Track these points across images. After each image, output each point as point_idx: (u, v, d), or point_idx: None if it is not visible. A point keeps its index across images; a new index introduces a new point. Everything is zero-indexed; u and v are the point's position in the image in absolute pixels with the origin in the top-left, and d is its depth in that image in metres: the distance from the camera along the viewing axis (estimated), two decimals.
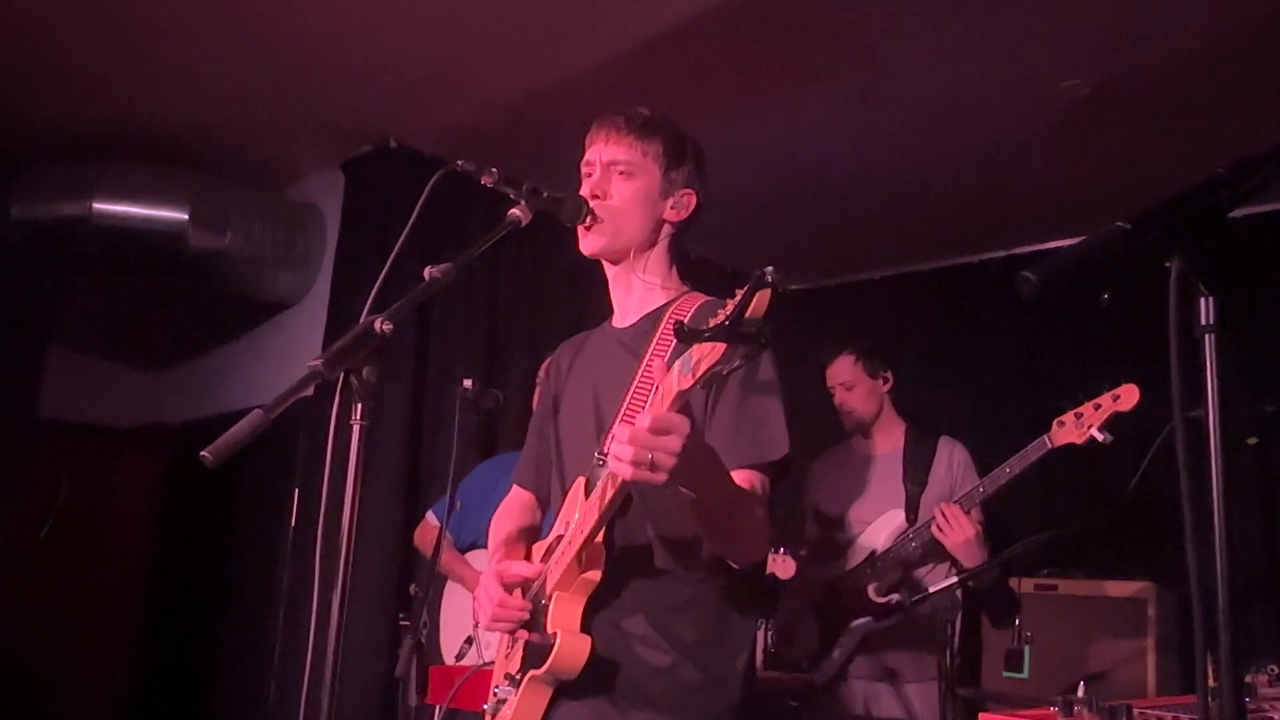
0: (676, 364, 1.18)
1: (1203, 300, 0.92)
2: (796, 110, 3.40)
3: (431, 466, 3.64)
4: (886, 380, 3.12)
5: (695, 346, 1.12)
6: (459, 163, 1.46)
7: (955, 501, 2.74)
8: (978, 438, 3.18)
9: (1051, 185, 3.82)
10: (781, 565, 2.85)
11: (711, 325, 1.07)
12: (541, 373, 2.55)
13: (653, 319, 1.63)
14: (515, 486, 1.87)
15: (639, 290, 1.65)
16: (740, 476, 1.45)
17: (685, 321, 1.13)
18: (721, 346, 1.08)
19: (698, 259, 4.45)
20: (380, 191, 3.73)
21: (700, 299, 1.62)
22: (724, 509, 1.34)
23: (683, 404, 1.21)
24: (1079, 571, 3.37)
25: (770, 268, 1.06)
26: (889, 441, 3.11)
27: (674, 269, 1.68)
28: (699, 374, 1.12)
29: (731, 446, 1.46)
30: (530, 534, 1.80)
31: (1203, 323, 0.91)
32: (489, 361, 3.85)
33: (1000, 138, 3.48)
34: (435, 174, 1.45)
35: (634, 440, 1.18)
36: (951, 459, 3.01)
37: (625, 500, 1.52)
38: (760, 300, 1.07)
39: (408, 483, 3.57)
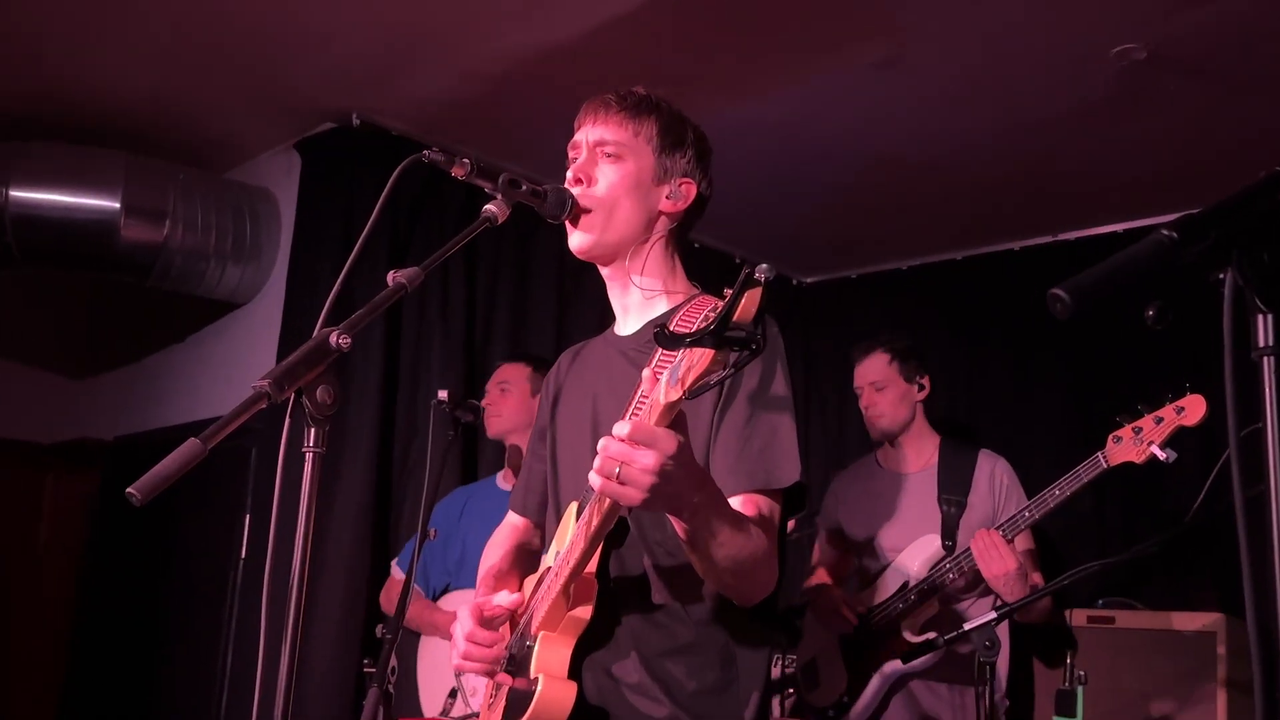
0: (664, 375, 1.19)
1: (1261, 318, 0.90)
2: (809, 84, 3.41)
3: (403, 489, 3.66)
4: (922, 387, 3.13)
5: (684, 354, 1.13)
6: (426, 153, 1.47)
7: (998, 528, 2.74)
8: (1019, 452, 3.19)
9: (1101, 163, 3.83)
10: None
11: (696, 329, 1.08)
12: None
13: (656, 326, 1.63)
14: (510, 513, 1.89)
15: (639, 293, 1.66)
16: (745, 503, 1.46)
17: (668, 326, 1.14)
18: (708, 353, 1.09)
19: (701, 248, 4.49)
20: (341, 175, 3.74)
21: (712, 302, 1.63)
22: (720, 543, 1.34)
23: (673, 419, 1.22)
24: (1139, 602, 3.38)
25: (763, 265, 1.06)
26: (921, 456, 3.12)
27: (677, 269, 1.69)
28: (687, 384, 1.13)
29: (736, 469, 1.47)
30: (525, 566, 1.81)
31: (1261, 344, 0.89)
32: (467, 370, 3.87)
33: (1043, 111, 3.49)
34: (404, 158, 1.46)
35: (606, 450, 1.20)
36: (994, 476, 3.01)
37: (620, 529, 1.53)
38: (750, 300, 1.07)
39: (375, 509, 3.58)
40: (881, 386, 3.10)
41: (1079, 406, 4.12)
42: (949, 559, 2.89)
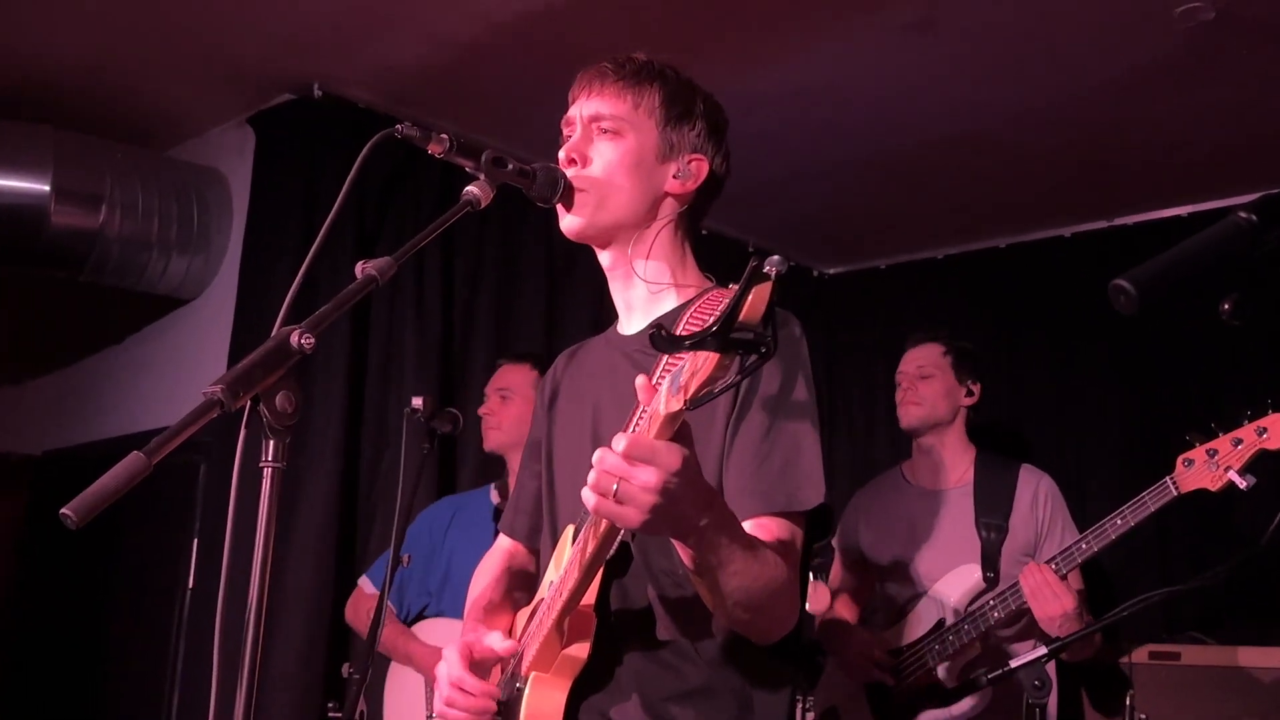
0: (665, 383, 1.19)
1: None
2: (831, 50, 3.41)
3: (372, 510, 3.66)
4: (971, 393, 3.15)
5: (687, 359, 1.13)
6: (399, 127, 1.46)
7: (1050, 562, 2.74)
8: (1068, 470, 3.20)
9: (1164, 137, 3.83)
10: (813, 595, 2.85)
11: (697, 330, 1.08)
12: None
13: (665, 324, 1.63)
14: (501, 535, 1.89)
15: (644, 286, 1.66)
16: (763, 527, 1.45)
17: (667, 327, 1.13)
18: (713, 357, 1.09)
19: (710, 235, 4.49)
20: (301, 153, 3.74)
21: (727, 297, 1.62)
22: (732, 572, 1.34)
23: (676, 432, 1.21)
24: (1206, 637, 3.37)
25: (774, 257, 1.06)
26: (956, 470, 3.12)
27: (688, 258, 1.69)
28: (690, 393, 1.12)
29: (752, 488, 1.46)
30: (518, 595, 1.81)
31: None
32: (444, 374, 3.87)
33: (1097, 79, 3.49)
34: (373, 133, 1.45)
35: (601, 464, 1.20)
36: (1037, 496, 3.01)
37: (622, 556, 1.53)
38: (759, 297, 1.07)
39: (341, 533, 3.58)
40: (928, 374, 3.13)
41: (1139, 419, 4.12)
42: (991, 594, 2.88)
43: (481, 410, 3.28)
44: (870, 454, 4.88)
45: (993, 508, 3.00)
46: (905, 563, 3.07)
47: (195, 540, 3.80)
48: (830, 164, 4.18)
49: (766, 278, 1.07)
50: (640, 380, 1.24)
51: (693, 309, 1.57)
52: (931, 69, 3.51)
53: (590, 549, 1.37)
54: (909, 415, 3.15)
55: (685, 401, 1.13)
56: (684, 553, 1.33)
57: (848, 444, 5.00)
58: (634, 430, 1.50)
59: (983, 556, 2.95)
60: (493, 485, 3.32)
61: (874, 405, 4.91)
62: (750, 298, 1.07)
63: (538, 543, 1.79)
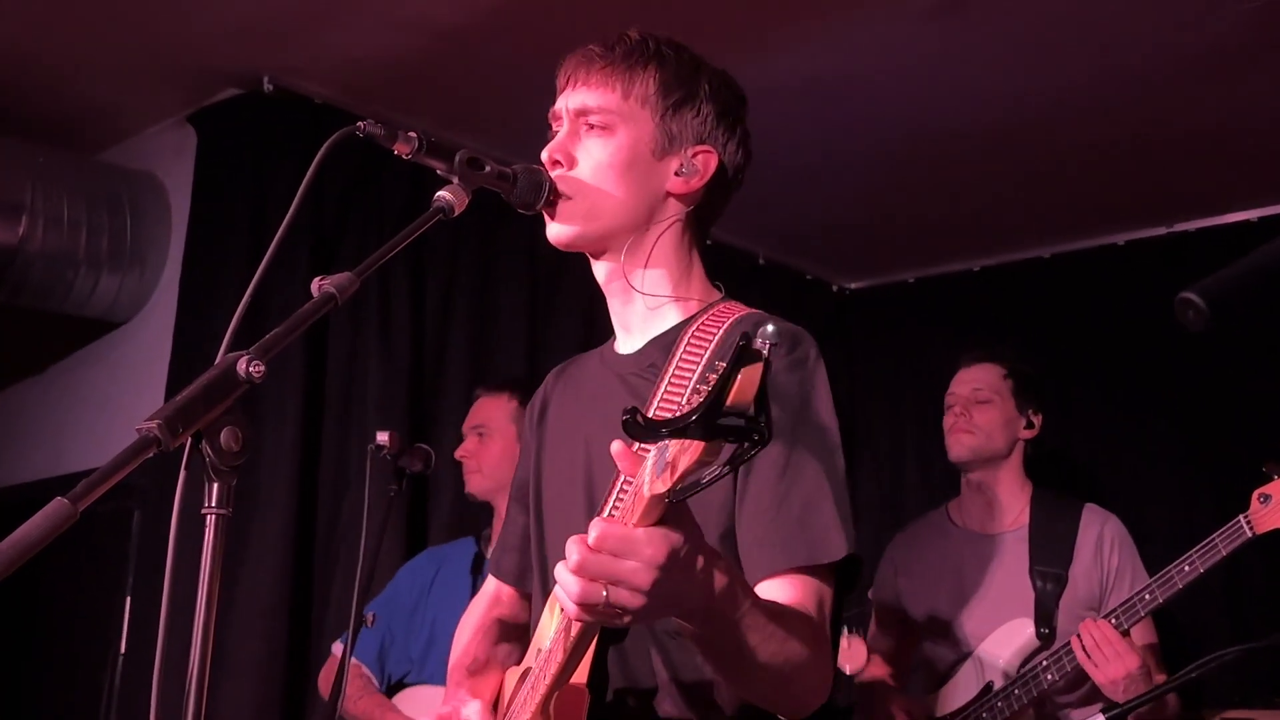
0: (651, 456, 1.16)
1: None
2: (855, 32, 3.42)
3: (331, 563, 3.64)
4: (1031, 424, 3.15)
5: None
6: (361, 124, 1.46)
7: (1109, 615, 2.73)
8: (1126, 509, 3.17)
9: (1229, 132, 3.84)
10: (848, 652, 2.84)
11: (678, 414, 1.06)
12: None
13: (663, 344, 1.62)
14: (490, 578, 1.88)
15: (643, 300, 1.65)
16: (783, 584, 1.43)
17: (639, 410, 1.09)
18: (698, 446, 1.07)
19: (715, 244, 4.45)
20: (249, 155, 3.75)
21: (737, 313, 1.61)
22: (749, 647, 1.30)
23: (663, 513, 1.17)
24: None
25: (769, 328, 1.04)
26: (1010, 512, 3.11)
27: (694, 267, 1.68)
28: (676, 478, 1.10)
29: (770, 539, 1.44)
30: (508, 649, 1.80)
31: None
32: (413, 405, 3.86)
33: (1153, 68, 3.50)
34: (331, 132, 1.45)
35: (582, 569, 1.16)
36: (1102, 541, 3.00)
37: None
38: (749, 379, 1.05)
39: (295, 589, 3.56)
40: (986, 400, 3.12)
41: (1206, 450, 4.12)
42: (1046, 654, 2.87)
43: (459, 453, 3.27)
44: (897, 492, 4.88)
45: (1051, 554, 2.98)
46: (950, 618, 3.06)
47: (128, 599, 3.77)
48: (851, 164, 4.18)
49: (758, 356, 1.05)
50: (617, 447, 1.22)
51: (697, 324, 1.56)
52: (964, 55, 3.52)
53: (575, 633, 1.35)
54: (960, 446, 3.13)
55: (673, 484, 1.11)
56: (689, 630, 1.30)
57: (872, 480, 4.99)
58: (614, 505, 1.49)
59: (1036, 609, 2.93)
60: (483, 534, 3.30)
61: (901, 436, 4.91)
62: (739, 379, 1.05)
63: (529, 585, 1.77)
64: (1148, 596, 2.71)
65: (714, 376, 1.06)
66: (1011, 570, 3.02)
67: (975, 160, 4.12)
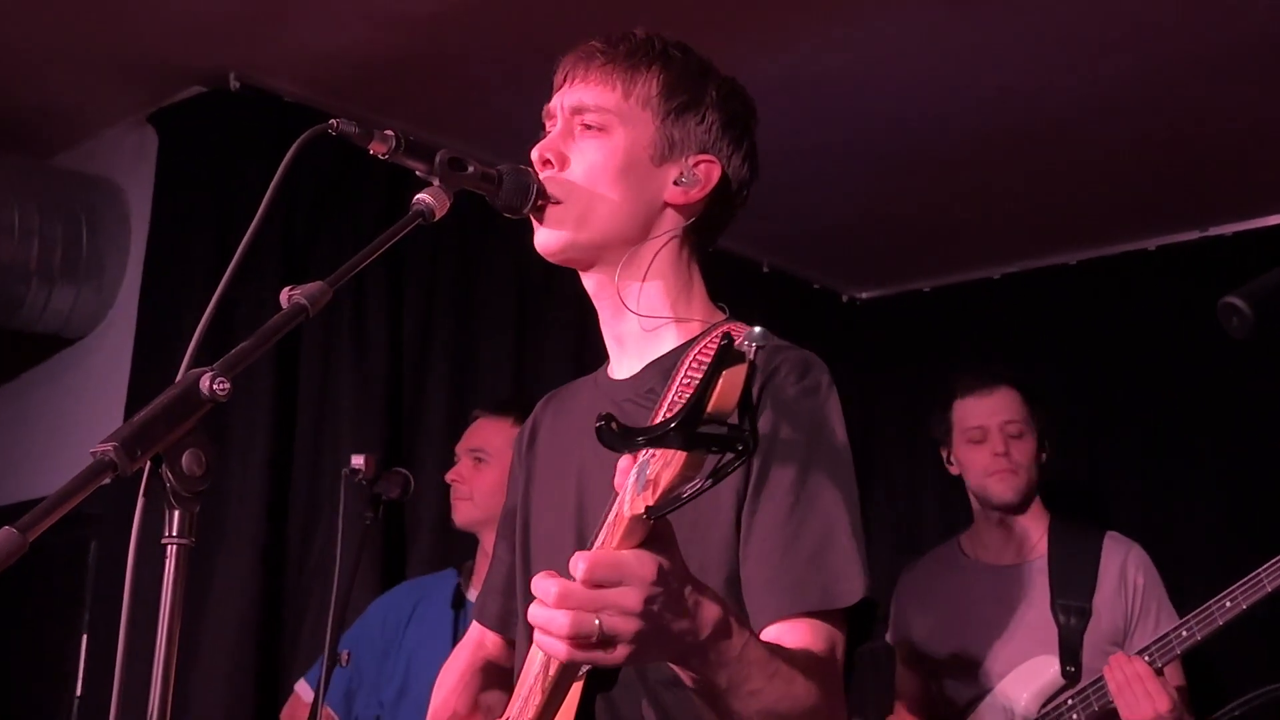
0: (631, 475, 1.16)
1: None
2: (860, 29, 3.43)
3: (302, 596, 3.63)
4: (1045, 449, 3.15)
5: (655, 454, 1.09)
6: (335, 122, 1.46)
7: (1142, 652, 2.73)
8: (1156, 539, 3.17)
9: (1270, 130, 3.85)
10: None
11: (657, 421, 1.06)
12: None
13: (662, 368, 1.60)
14: (474, 623, 1.88)
15: (637, 320, 1.64)
16: (792, 630, 1.42)
17: (613, 417, 1.08)
18: (680, 456, 1.06)
19: (717, 251, 4.44)
20: (213, 157, 3.75)
21: (740, 333, 1.61)
22: (750, 693, 1.29)
23: (648, 534, 1.16)
24: None
25: (756, 330, 1.04)
26: (1028, 543, 3.12)
27: (695, 285, 1.68)
28: (661, 488, 1.09)
29: (778, 582, 1.43)
30: (490, 701, 1.80)
31: None
32: (390, 426, 3.86)
33: (1188, 59, 3.51)
34: (302, 131, 1.45)
35: (564, 601, 1.14)
36: (1125, 571, 3.01)
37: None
38: (730, 383, 1.05)
39: (264, 624, 3.55)
40: (1019, 433, 3.10)
41: (1247, 475, 4.11)
42: (1071, 691, 2.87)
43: (449, 475, 3.23)
44: (915, 520, 4.87)
45: (1073, 586, 2.99)
46: (967, 655, 3.06)
47: (84, 635, 3.76)
48: (862, 164, 4.20)
49: (741, 358, 1.05)
50: (624, 462, 1.20)
51: (697, 349, 1.55)
52: (983, 50, 3.53)
53: (552, 674, 1.34)
54: (1008, 489, 3.09)
55: (655, 499, 1.10)
56: (684, 675, 1.29)
57: (886, 511, 4.97)
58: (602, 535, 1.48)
59: (1061, 646, 2.94)
60: (465, 566, 3.27)
61: (918, 457, 4.89)
62: (720, 384, 1.05)
63: (513, 630, 1.77)
64: (1185, 633, 2.71)
65: (680, 400, 1.05)
66: (1032, 604, 3.02)
67: (995, 161, 4.14)
